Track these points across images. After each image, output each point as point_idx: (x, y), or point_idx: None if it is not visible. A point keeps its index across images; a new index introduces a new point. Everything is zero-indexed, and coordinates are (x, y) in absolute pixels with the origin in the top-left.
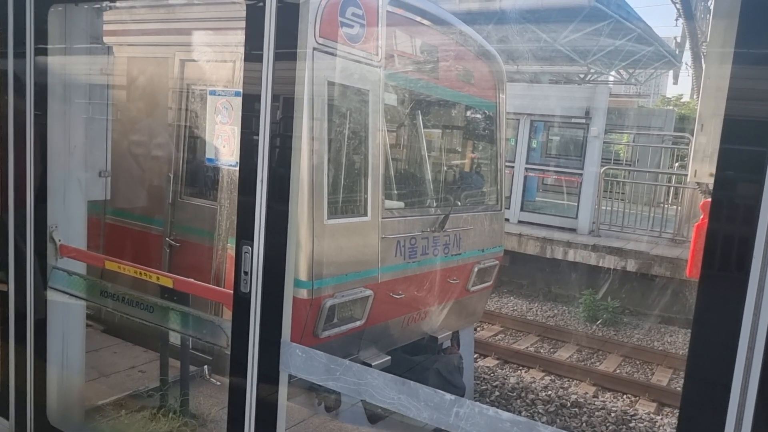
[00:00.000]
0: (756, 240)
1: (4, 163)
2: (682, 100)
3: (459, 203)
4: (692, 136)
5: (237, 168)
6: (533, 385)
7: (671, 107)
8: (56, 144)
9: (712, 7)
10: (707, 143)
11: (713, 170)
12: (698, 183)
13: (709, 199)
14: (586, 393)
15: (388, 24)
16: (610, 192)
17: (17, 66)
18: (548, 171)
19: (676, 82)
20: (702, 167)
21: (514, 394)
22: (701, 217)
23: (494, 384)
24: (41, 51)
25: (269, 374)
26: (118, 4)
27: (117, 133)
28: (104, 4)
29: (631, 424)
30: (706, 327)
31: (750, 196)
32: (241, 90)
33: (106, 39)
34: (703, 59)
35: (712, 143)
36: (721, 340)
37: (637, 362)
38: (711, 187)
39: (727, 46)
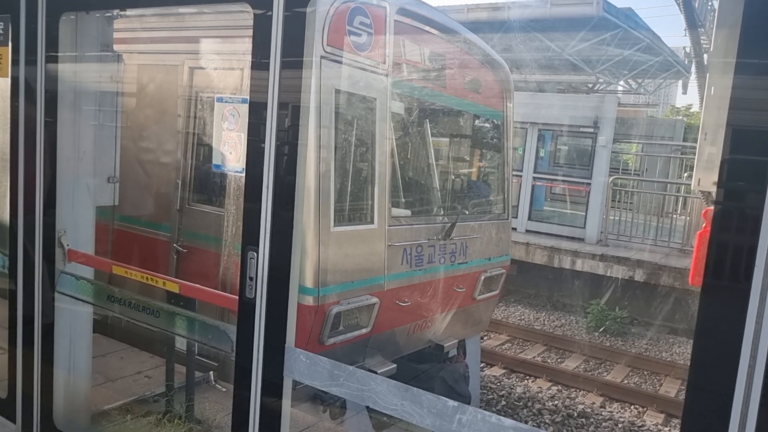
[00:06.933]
0: (758, 248)
1: (14, 168)
2: (691, 110)
3: (466, 212)
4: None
5: (243, 174)
6: (540, 394)
7: (680, 117)
8: (66, 150)
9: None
10: (711, 152)
11: (717, 179)
12: (702, 192)
13: (712, 208)
14: (593, 403)
15: (396, 33)
16: (618, 201)
17: (28, 73)
18: (556, 180)
19: (685, 92)
20: (706, 176)
21: (521, 403)
22: (704, 225)
23: (501, 393)
24: (52, 58)
25: (273, 380)
26: (128, 12)
27: (126, 140)
28: (115, 12)
29: None
30: (708, 335)
31: (752, 204)
32: (248, 98)
33: (116, 47)
34: (706, 69)
35: (716, 152)
36: (723, 348)
37: (645, 373)
38: (714, 195)
39: (729, 56)
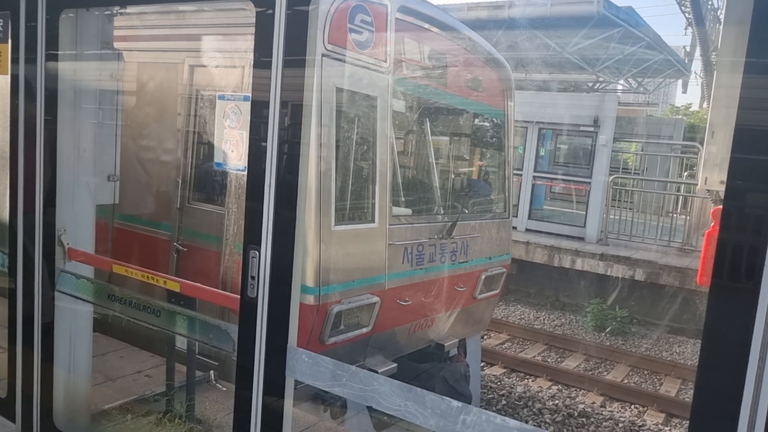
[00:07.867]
0: (767, 247)
1: (14, 166)
2: (691, 109)
3: (466, 210)
4: (702, 144)
5: (245, 173)
6: (540, 394)
7: (680, 116)
8: (66, 148)
9: (722, 16)
10: (718, 151)
11: (724, 178)
12: (709, 191)
13: (720, 207)
14: (594, 403)
15: (397, 31)
16: (619, 201)
17: (28, 71)
18: (556, 179)
19: (685, 91)
20: (713, 175)
21: (521, 403)
22: (712, 224)
23: (501, 393)
24: (52, 56)
25: (275, 379)
26: (128, 9)
27: (126, 138)
28: (115, 9)
29: None
30: (716, 336)
31: (761, 203)
32: (250, 96)
33: (116, 44)
34: (714, 67)
35: (723, 151)
36: (731, 349)
37: (646, 372)
38: (722, 194)
39: (738, 53)
